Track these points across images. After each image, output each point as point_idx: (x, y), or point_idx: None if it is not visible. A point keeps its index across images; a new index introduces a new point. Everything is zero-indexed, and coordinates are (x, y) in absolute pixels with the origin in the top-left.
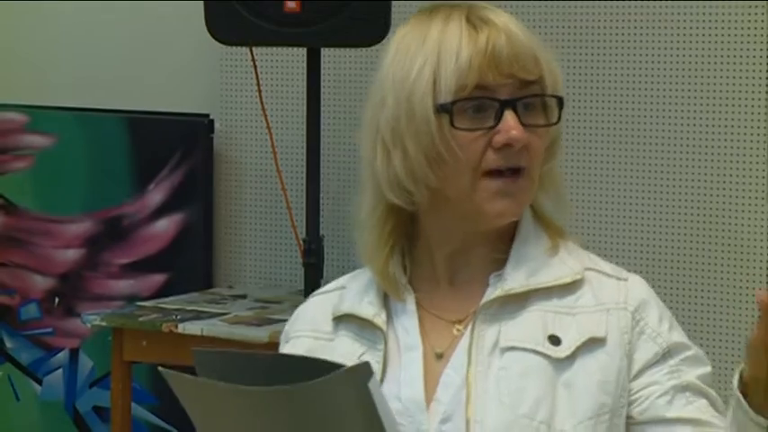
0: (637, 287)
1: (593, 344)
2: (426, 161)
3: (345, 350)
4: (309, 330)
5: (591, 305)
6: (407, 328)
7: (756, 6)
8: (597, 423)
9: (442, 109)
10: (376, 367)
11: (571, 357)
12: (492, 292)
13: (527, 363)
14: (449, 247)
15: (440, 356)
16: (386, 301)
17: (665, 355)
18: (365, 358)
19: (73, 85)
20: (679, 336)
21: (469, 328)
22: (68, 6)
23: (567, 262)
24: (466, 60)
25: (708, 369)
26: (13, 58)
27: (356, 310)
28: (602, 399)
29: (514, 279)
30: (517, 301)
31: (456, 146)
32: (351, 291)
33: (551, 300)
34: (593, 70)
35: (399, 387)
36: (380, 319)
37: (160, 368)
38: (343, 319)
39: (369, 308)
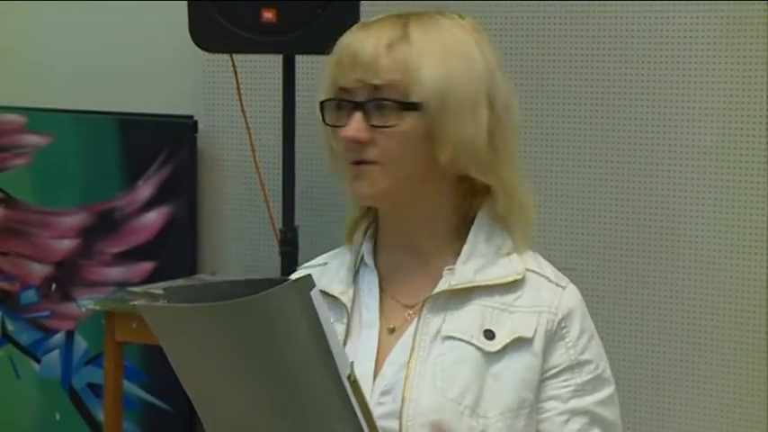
0: (571, 296)
1: (520, 343)
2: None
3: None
4: None
5: (527, 306)
6: (369, 307)
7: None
8: (518, 415)
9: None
10: (339, 338)
11: (501, 352)
12: (441, 285)
13: (462, 352)
14: (398, 235)
15: (392, 331)
16: (356, 279)
17: (574, 367)
18: (342, 326)
19: (68, 89)
20: (592, 354)
21: (418, 315)
22: (65, 15)
23: (513, 262)
24: (331, 64)
25: (609, 391)
26: (13, 64)
27: (327, 287)
28: (525, 394)
29: (462, 274)
30: (463, 294)
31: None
32: (329, 268)
33: (494, 296)
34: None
35: (355, 359)
36: (347, 297)
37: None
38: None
39: (338, 286)
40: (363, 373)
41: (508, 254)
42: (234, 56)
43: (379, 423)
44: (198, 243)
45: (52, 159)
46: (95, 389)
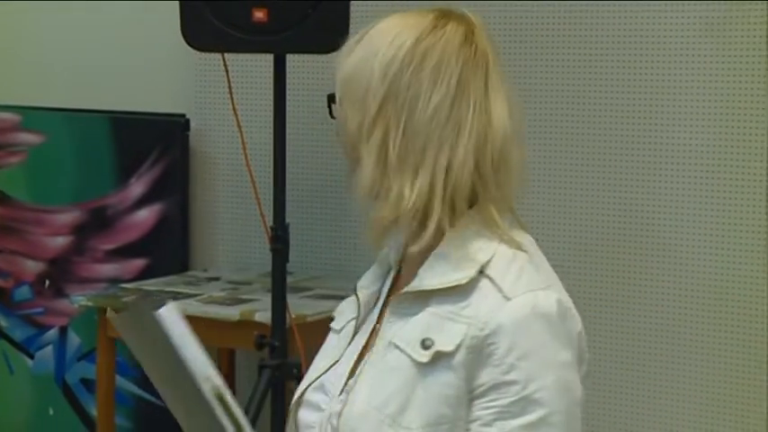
0: (510, 311)
1: (442, 356)
2: None
3: (347, 313)
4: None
5: (467, 316)
6: (378, 303)
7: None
8: (437, 430)
9: None
10: (351, 332)
11: (431, 363)
12: (403, 289)
13: (398, 361)
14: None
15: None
16: (389, 271)
17: (499, 387)
18: (351, 323)
19: (62, 88)
20: (520, 374)
21: (382, 318)
22: (58, 16)
23: (471, 268)
24: None
25: (540, 414)
26: (8, 64)
27: (360, 281)
28: (443, 410)
29: (419, 279)
30: (423, 299)
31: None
32: (377, 261)
33: (446, 303)
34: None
35: (350, 354)
36: (366, 292)
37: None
38: None
39: (364, 282)
40: (345, 369)
41: (479, 258)
42: (225, 55)
43: (331, 420)
44: (190, 240)
45: (46, 157)
46: (88, 384)
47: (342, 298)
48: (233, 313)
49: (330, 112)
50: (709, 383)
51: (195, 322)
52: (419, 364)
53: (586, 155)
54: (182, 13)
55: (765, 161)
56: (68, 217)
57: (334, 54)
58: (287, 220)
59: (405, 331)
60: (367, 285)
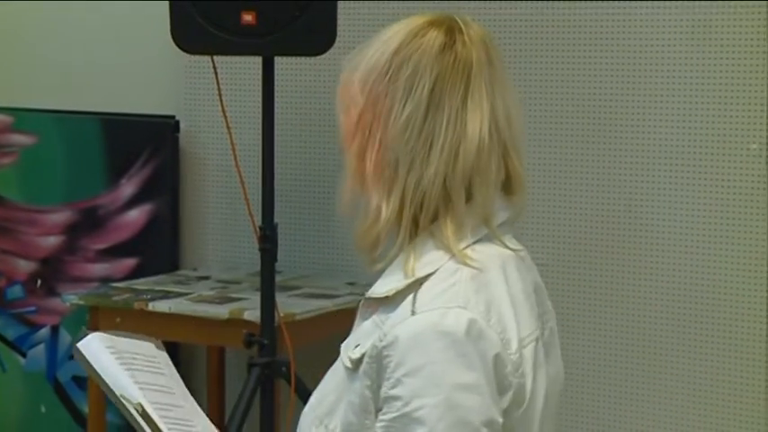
0: (409, 325)
1: (353, 364)
2: None
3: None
4: None
5: (383, 327)
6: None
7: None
8: None
9: None
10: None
11: (353, 369)
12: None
13: (338, 363)
14: None
15: None
16: None
17: (388, 400)
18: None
19: (53, 90)
20: (405, 390)
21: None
22: (49, 18)
23: (405, 279)
24: None
25: (422, 431)
26: (0, 66)
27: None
28: (350, 417)
29: (373, 287)
30: (375, 306)
31: None
32: None
33: (383, 312)
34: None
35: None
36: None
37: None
38: None
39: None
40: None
41: (422, 270)
42: (215, 57)
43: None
44: (179, 240)
45: (38, 158)
46: (80, 382)
47: (330, 297)
48: (222, 312)
49: None
50: (703, 381)
51: (185, 321)
52: (346, 369)
53: (577, 153)
54: (171, 16)
55: (764, 160)
56: (60, 217)
57: (324, 56)
58: (275, 220)
59: (351, 336)
60: (371, 284)
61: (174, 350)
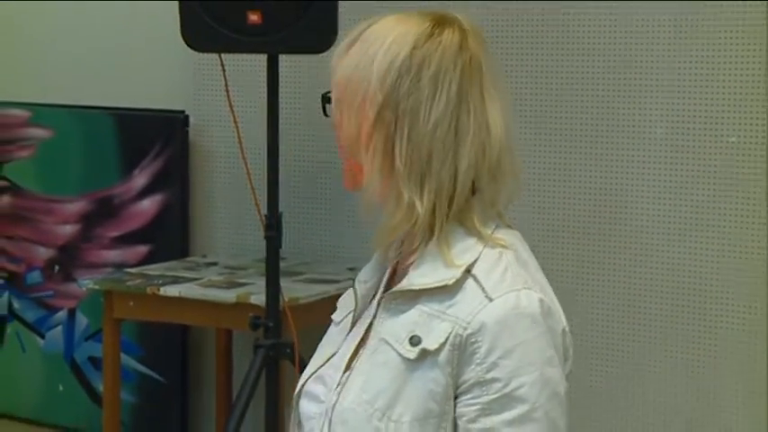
0: (492, 310)
1: (428, 354)
2: None
3: (347, 303)
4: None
5: (452, 315)
6: (376, 297)
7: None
8: (425, 424)
9: None
10: (348, 325)
11: (418, 360)
12: (395, 287)
13: (387, 356)
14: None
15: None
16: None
17: (482, 384)
18: (350, 316)
19: (69, 86)
20: (502, 372)
21: (375, 314)
22: (66, 17)
23: (458, 267)
24: None
25: (522, 409)
26: (18, 62)
27: (359, 275)
28: (430, 405)
29: (408, 278)
30: (412, 297)
31: None
32: (376, 255)
33: (433, 301)
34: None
35: (346, 346)
36: (364, 287)
37: None
38: None
39: (364, 275)
40: (342, 362)
41: (465, 258)
42: (222, 55)
43: (329, 413)
44: (189, 228)
45: (54, 151)
46: (95, 362)
47: (331, 282)
48: (230, 296)
49: (324, 111)
50: (685, 373)
51: (195, 304)
52: (407, 360)
53: (566, 145)
54: (181, 16)
55: (765, 158)
56: (76, 206)
57: (326, 54)
58: (280, 210)
59: (394, 328)
60: (366, 279)
61: (183, 332)
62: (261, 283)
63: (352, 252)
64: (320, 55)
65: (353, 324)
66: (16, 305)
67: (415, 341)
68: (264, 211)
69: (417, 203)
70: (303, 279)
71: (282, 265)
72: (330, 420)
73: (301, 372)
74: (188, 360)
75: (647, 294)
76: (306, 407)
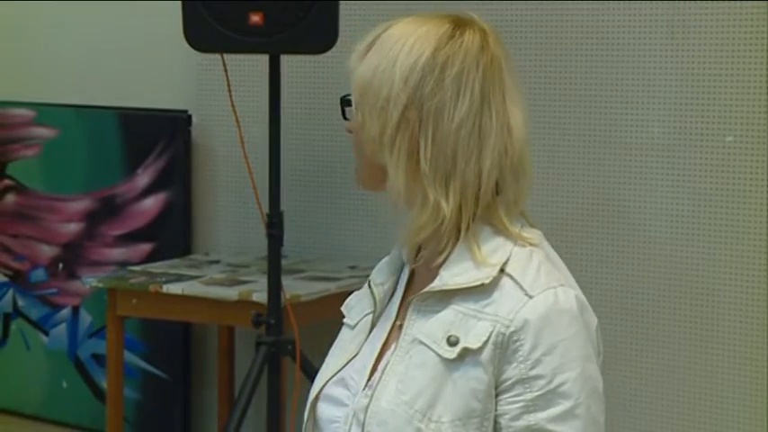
0: (533, 308)
1: (469, 353)
2: None
3: (362, 306)
4: (369, 283)
5: (491, 314)
6: (395, 300)
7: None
8: (467, 423)
9: None
10: (367, 327)
11: (458, 359)
12: (425, 289)
13: (424, 357)
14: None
15: (400, 327)
16: (403, 269)
17: (524, 381)
18: (367, 318)
19: (73, 86)
20: (546, 369)
21: (405, 316)
22: (70, 18)
23: (493, 266)
24: None
25: (566, 406)
26: (23, 63)
27: (374, 277)
28: (473, 404)
29: (441, 278)
30: (445, 298)
31: None
32: (389, 257)
33: (469, 301)
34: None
35: (369, 350)
36: (382, 289)
37: None
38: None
39: (379, 278)
40: (365, 365)
41: (497, 257)
42: (224, 55)
43: (357, 415)
44: (192, 226)
45: (59, 150)
46: (99, 359)
47: (332, 279)
48: (232, 294)
49: (343, 114)
50: (685, 372)
51: (197, 302)
52: (446, 360)
53: (561, 145)
54: (184, 17)
55: (764, 156)
56: (80, 205)
57: (327, 54)
58: (281, 208)
59: (429, 328)
60: (382, 281)
61: (186, 330)
62: (263, 280)
63: (353, 250)
64: (321, 55)
65: (373, 326)
66: (21, 303)
67: (452, 341)
68: (266, 209)
69: (443, 203)
70: (304, 277)
71: (284, 262)
72: (362, 423)
73: (303, 368)
74: (191, 357)
75: (646, 293)
76: (325, 410)
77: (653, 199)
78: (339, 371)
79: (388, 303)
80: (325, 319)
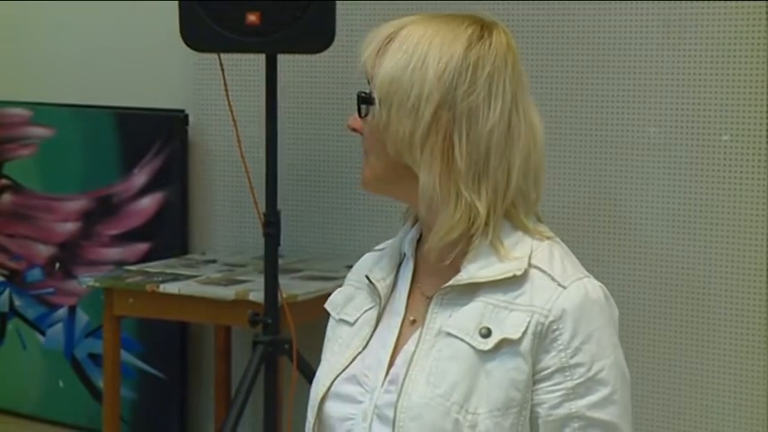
0: (569, 297)
1: (508, 343)
2: None
3: (360, 302)
4: (354, 280)
5: (525, 304)
6: (400, 296)
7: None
8: (506, 414)
9: None
10: (372, 323)
11: (493, 351)
12: (449, 282)
13: (456, 349)
14: (426, 229)
15: (413, 322)
16: (401, 267)
17: (564, 370)
18: (369, 314)
19: (70, 85)
20: (585, 357)
21: (427, 309)
22: (67, 18)
23: (520, 259)
24: None
25: (604, 392)
26: (19, 62)
27: (371, 272)
28: (512, 394)
29: (467, 271)
30: (470, 291)
31: None
32: (381, 253)
33: (497, 293)
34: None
35: (379, 345)
36: (384, 284)
37: None
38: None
39: (379, 273)
40: (380, 360)
41: (520, 251)
42: (221, 55)
43: (381, 411)
44: (189, 226)
45: (55, 150)
46: (95, 359)
47: (329, 279)
48: (229, 293)
49: (359, 111)
50: (682, 372)
51: (194, 301)
52: (480, 352)
53: (557, 144)
54: (181, 17)
55: (760, 155)
56: (77, 204)
57: (324, 54)
58: (278, 208)
59: (457, 321)
60: (384, 277)
61: (183, 329)
62: (259, 280)
63: (350, 249)
64: (318, 55)
65: (377, 322)
66: (17, 302)
67: (484, 332)
68: (263, 208)
69: (477, 202)
70: (301, 276)
71: (281, 262)
72: (393, 419)
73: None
74: (187, 356)
75: (642, 293)
76: (336, 408)
77: (649, 198)
78: (347, 367)
79: (389, 298)
80: (322, 319)
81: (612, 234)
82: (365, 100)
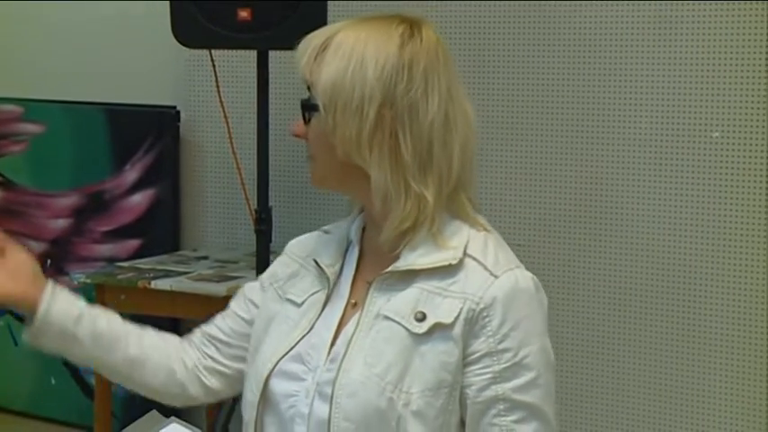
0: (500, 286)
1: (441, 327)
2: None
3: (306, 285)
4: (299, 257)
5: (458, 291)
6: (345, 281)
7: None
8: (437, 394)
9: None
10: (319, 306)
11: (428, 334)
12: (388, 268)
13: (392, 332)
14: (370, 218)
15: (354, 305)
16: (347, 253)
17: (492, 354)
18: (317, 296)
19: (61, 81)
20: (512, 342)
21: (367, 294)
22: (58, 14)
23: (456, 249)
24: None
25: (529, 377)
26: (10, 58)
27: (319, 256)
28: (443, 375)
29: (405, 259)
30: (408, 277)
31: None
32: (328, 239)
33: (433, 280)
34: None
35: (323, 327)
36: (332, 270)
37: None
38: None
39: (327, 259)
40: (323, 341)
41: (457, 240)
42: (212, 51)
43: (322, 388)
44: (180, 222)
45: (47, 146)
46: None
47: None
48: (220, 289)
49: (304, 118)
50: (666, 366)
51: (185, 298)
52: (414, 335)
53: (549, 142)
54: (172, 13)
55: (750, 152)
56: (68, 201)
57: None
58: (270, 204)
59: (394, 305)
60: (331, 263)
61: (174, 325)
62: (251, 276)
63: None
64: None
65: (324, 305)
66: None
67: (419, 317)
68: (255, 205)
69: (425, 192)
70: None
71: (272, 258)
72: (331, 395)
73: None
74: None
75: (633, 289)
76: (280, 385)
77: (639, 194)
78: (293, 347)
79: (336, 283)
80: None
81: (602, 230)
82: (308, 107)
